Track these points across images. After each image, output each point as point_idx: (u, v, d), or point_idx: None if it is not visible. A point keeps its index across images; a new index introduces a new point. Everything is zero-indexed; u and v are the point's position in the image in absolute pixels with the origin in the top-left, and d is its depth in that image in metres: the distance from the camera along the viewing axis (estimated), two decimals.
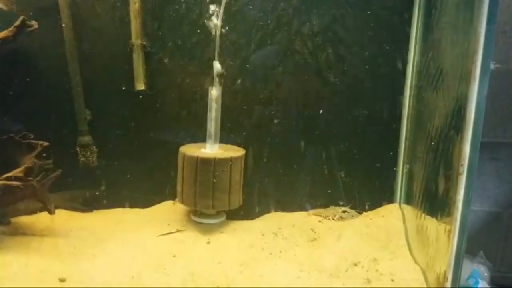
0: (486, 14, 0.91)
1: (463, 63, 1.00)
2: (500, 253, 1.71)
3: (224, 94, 1.52)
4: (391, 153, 1.61)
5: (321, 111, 1.57)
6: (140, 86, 1.58)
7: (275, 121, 1.60)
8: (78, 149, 1.60)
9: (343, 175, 1.65)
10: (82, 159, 1.60)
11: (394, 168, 1.62)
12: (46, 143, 1.40)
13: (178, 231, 1.45)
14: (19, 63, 1.57)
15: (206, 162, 1.41)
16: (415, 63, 1.53)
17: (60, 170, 1.41)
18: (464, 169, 0.95)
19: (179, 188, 1.50)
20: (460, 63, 1.04)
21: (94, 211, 1.65)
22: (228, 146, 1.58)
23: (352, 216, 1.61)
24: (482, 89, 0.93)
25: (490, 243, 1.69)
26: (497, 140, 1.62)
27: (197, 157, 1.42)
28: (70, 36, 1.54)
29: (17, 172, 1.30)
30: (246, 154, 1.55)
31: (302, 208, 1.67)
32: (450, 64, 1.18)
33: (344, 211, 1.61)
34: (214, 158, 1.41)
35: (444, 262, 1.03)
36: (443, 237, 1.07)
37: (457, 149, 0.99)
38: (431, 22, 1.38)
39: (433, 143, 1.24)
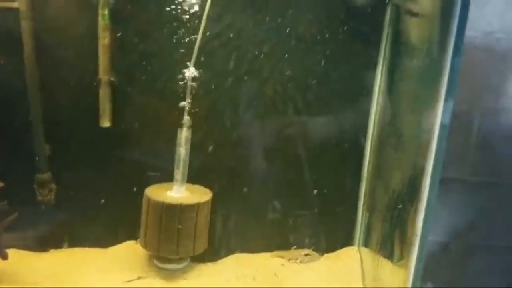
0: (446, 88, 0.92)
1: (422, 136, 1.05)
2: (448, 283, 1.81)
3: (193, 135, 1.51)
4: (352, 199, 1.68)
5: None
6: (106, 123, 1.54)
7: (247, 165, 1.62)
8: (35, 187, 1.53)
9: (305, 216, 1.69)
10: (39, 197, 1.53)
11: (354, 214, 1.69)
12: (2, 184, 1.33)
13: (139, 278, 1.43)
14: None
15: (171, 209, 1.40)
16: (377, 117, 1.60)
17: (17, 213, 1.34)
18: (417, 241, 1.02)
19: (142, 232, 1.47)
20: (417, 134, 1.10)
21: (51, 251, 1.58)
22: (196, 186, 1.57)
23: (314, 258, 1.66)
24: (438, 166, 0.98)
25: (439, 271, 1.77)
26: (450, 176, 1.70)
27: (163, 203, 1.40)
28: (33, 68, 1.47)
29: None
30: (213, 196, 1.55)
31: (265, 248, 1.69)
32: (408, 131, 1.25)
33: (306, 254, 1.66)
34: (180, 204, 1.40)
35: None
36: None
37: (410, 219, 1.05)
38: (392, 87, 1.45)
39: (390, 202, 1.31)
